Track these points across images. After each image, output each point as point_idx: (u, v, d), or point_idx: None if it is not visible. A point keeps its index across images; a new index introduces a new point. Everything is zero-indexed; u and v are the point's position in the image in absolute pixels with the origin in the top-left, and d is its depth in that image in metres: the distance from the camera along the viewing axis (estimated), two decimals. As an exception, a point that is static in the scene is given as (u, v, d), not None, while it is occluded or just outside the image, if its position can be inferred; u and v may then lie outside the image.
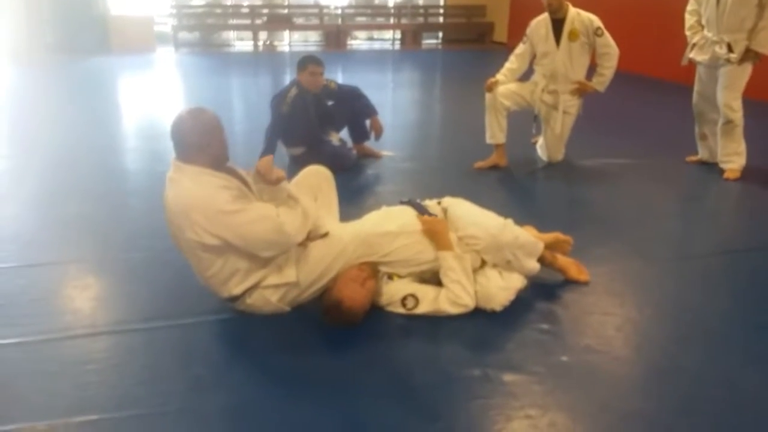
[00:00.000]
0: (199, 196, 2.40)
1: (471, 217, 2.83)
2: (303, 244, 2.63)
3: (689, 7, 4.76)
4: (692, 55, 4.73)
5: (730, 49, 4.43)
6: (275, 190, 2.62)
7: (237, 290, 2.56)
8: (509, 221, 2.85)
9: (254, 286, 2.57)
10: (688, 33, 4.75)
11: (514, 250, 2.74)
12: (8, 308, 2.75)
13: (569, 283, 2.98)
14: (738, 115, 4.55)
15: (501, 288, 2.69)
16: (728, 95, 4.53)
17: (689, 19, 4.75)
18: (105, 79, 9.67)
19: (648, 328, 2.69)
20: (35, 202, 4.15)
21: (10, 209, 4.00)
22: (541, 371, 2.33)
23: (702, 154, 5.00)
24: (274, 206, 2.55)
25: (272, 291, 2.58)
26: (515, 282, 2.76)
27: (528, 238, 2.82)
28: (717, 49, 4.49)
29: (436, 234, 2.72)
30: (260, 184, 2.64)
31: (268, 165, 2.62)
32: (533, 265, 2.84)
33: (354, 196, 4.22)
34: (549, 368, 2.35)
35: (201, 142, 2.43)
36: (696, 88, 4.86)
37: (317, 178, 3.06)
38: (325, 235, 2.68)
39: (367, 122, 5.03)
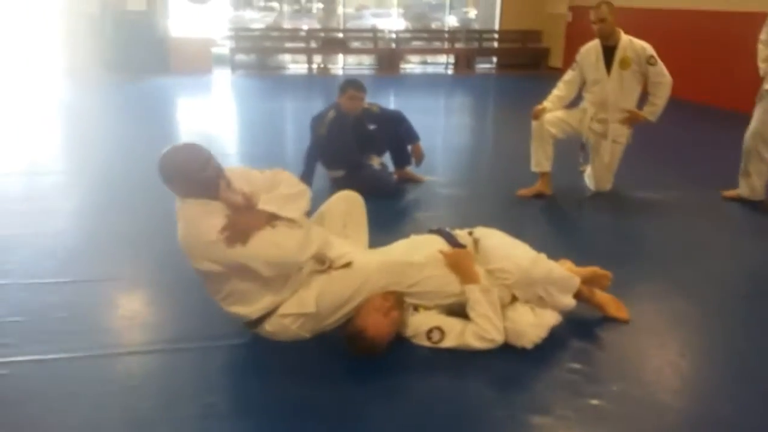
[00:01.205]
0: (193, 228, 2.39)
1: (502, 250, 2.72)
2: (326, 272, 2.58)
3: (763, 36, 4.49)
4: None
5: None
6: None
7: (249, 312, 2.52)
8: (542, 255, 2.73)
9: (272, 313, 2.53)
10: (762, 65, 4.46)
11: (547, 285, 2.62)
12: (35, 324, 2.77)
13: (607, 320, 2.83)
14: None
15: (532, 325, 2.57)
16: None
17: (763, 50, 4.47)
18: (161, 98, 9.90)
19: (688, 374, 2.53)
20: (79, 219, 4.24)
21: (54, 224, 4.07)
22: (570, 415, 2.21)
23: (742, 190, 4.69)
24: (271, 227, 2.45)
25: (292, 319, 2.54)
26: (548, 319, 2.64)
27: (562, 273, 2.70)
28: None
29: (459, 267, 2.62)
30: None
31: (224, 189, 2.45)
32: (568, 301, 2.70)
33: (392, 221, 4.16)
34: (578, 412, 2.23)
35: (184, 177, 2.40)
36: (753, 125, 4.55)
37: (347, 203, 3.01)
38: (348, 264, 2.61)
39: (409, 148, 4.97)
